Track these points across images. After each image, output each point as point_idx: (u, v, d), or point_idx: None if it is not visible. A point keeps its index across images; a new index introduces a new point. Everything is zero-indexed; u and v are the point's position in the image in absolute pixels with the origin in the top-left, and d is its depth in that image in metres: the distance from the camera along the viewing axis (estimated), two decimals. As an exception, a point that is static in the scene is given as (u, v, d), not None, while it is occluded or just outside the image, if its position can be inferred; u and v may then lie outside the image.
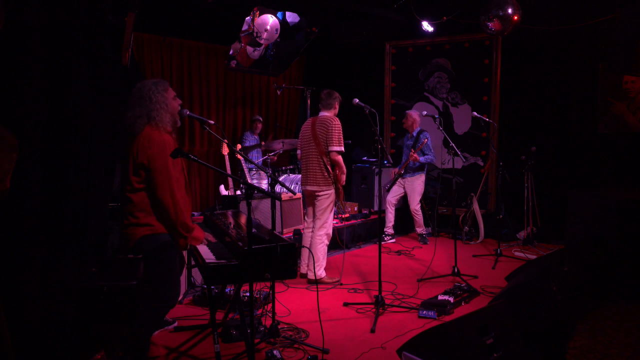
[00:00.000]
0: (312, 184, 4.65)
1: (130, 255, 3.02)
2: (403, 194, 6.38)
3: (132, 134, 2.89)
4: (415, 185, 6.24)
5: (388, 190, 6.42)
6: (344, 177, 4.69)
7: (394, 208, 6.43)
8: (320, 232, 4.65)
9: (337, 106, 4.74)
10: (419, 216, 6.34)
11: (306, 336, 3.48)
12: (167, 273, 2.89)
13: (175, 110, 3.01)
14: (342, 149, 4.58)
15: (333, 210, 4.76)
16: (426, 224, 7.02)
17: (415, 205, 6.26)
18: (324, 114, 4.69)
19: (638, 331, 3.52)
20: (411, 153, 6.05)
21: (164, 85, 2.98)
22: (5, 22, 2.16)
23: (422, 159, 6.12)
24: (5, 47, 2.40)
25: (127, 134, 2.96)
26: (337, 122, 4.57)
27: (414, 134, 6.28)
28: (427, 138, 6.16)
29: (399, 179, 6.33)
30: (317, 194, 4.65)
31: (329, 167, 4.59)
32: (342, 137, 4.59)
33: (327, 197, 4.62)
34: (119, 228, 3.16)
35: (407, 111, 6.43)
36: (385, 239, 6.41)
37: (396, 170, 6.40)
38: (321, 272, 4.68)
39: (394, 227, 6.53)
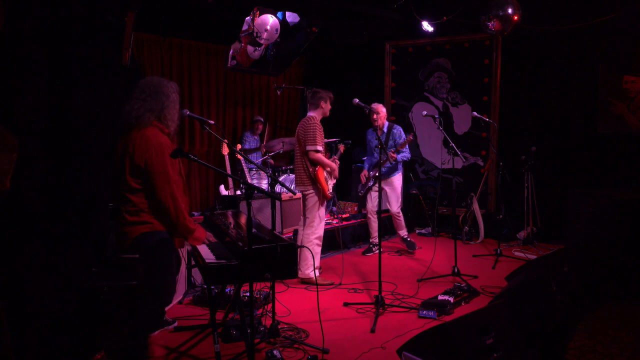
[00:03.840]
0: (299, 184, 4.72)
1: (126, 254, 3.02)
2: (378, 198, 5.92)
3: (133, 126, 2.86)
4: (395, 185, 5.73)
5: (363, 196, 5.84)
6: (336, 172, 4.71)
7: (376, 216, 5.80)
8: (307, 230, 4.67)
9: (324, 104, 4.68)
10: (400, 219, 5.80)
11: (306, 336, 3.48)
12: (162, 270, 2.89)
13: (179, 114, 3.05)
14: (318, 147, 4.54)
15: (322, 210, 4.71)
16: (426, 224, 7.03)
17: (396, 209, 5.73)
18: (310, 114, 4.72)
19: (638, 331, 3.52)
20: (390, 153, 5.49)
21: (176, 86, 3.04)
22: (5, 22, 2.16)
23: (399, 157, 5.54)
24: (5, 47, 2.40)
25: (123, 126, 2.92)
26: (315, 121, 4.56)
27: (385, 129, 5.72)
28: (402, 133, 5.71)
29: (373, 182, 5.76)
30: (304, 193, 4.71)
31: (309, 166, 4.62)
32: (318, 135, 4.54)
33: (312, 195, 4.66)
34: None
35: (373, 105, 5.59)
36: (373, 249, 5.89)
37: (365, 172, 5.83)
38: (309, 272, 4.62)
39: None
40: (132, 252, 2.90)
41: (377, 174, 5.57)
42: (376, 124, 5.68)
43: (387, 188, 5.73)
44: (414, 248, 5.90)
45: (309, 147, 4.56)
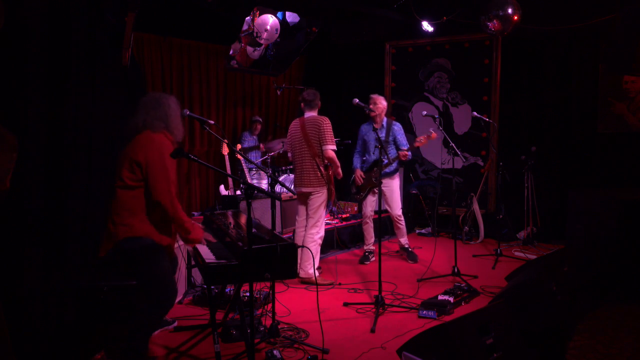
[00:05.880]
0: (307, 186, 4.68)
1: (108, 256, 3.01)
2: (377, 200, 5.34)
3: (141, 131, 2.94)
4: (394, 187, 5.37)
5: (361, 200, 5.37)
6: (339, 170, 4.71)
7: (372, 220, 5.49)
8: (312, 230, 4.67)
9: (320, 105, 4.80)
10: (403, 224, 5.45)
11: (306, 336, 3.48)
12: (157, 275, 2.89)
13: (182, 123, 3.14)
14: (335, 147, 4.64)
15: (325, 210, 4.76)
16: (426, 224, 7.03)
17: (398, 211, 5.37)
18: (311, 114, 4.73)
19: (638, 331, 3.52)
20: (404, 151, 5.11)
21: (175, 99, 3.12)
22: (5, 22, 2.16)
23: (409, 154, 5.16)
24: (5, 47, 2.40)
25: (129, 136, 2.97)
26: (327, 121, 4.63)
27: (384, 124, 5.29)
28: (402, 131, 5.35)
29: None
30: (311, 193, 4.69)
31: (322, 168, 4.63)
32: (333, 134, 4.64)
33: (319, 195, 4.66)
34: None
35: (372, 95, 5.24)
36: (370, 257, 5.50)
37: (360, 173, 5.35)
38: (311, 272, 4.63)
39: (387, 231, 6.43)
40: (115, 256, 2.89)
41: (378, 175, 5.03)
42: (373, 115, 5.12)
43: (386, 190, 5.30)
44: (415, 260, 5.46)
45: (329, 147, 4.56)
